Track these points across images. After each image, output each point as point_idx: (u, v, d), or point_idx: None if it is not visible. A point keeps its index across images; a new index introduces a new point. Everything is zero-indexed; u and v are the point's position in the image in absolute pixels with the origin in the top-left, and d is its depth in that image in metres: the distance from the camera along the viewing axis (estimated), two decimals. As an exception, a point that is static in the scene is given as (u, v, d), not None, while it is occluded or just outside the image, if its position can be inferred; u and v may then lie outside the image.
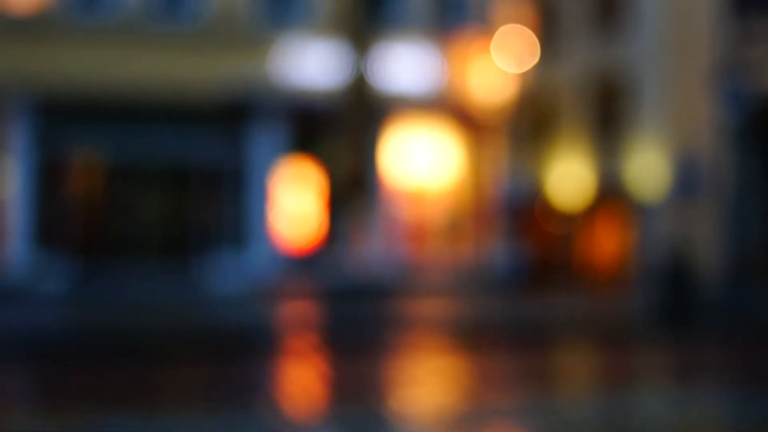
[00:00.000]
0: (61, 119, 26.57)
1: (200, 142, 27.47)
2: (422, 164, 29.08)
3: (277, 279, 26.90)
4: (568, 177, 30.20)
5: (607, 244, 29.55)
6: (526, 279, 28.80)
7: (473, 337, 17.90)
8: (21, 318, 19.96)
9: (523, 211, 30.67)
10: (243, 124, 27.60)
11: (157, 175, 27.59)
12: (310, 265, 27.66)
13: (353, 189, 28.25)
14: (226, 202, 27.68)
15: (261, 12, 27.72)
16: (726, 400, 11.46)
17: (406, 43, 28.59)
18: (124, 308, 21.67)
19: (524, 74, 29.29)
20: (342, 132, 28.34)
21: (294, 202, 28.00)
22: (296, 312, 23.12)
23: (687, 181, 25.93)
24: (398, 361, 14.97)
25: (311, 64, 27.83)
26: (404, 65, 28.51)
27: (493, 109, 29.23)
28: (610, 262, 29.30)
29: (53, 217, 26.68)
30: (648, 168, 27.69)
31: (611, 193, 29.03)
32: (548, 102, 30.94)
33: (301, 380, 13.22)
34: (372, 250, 28.12)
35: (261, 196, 27.64)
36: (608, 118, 29.20)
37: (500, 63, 28.17)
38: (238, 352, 15.59)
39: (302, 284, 26.58)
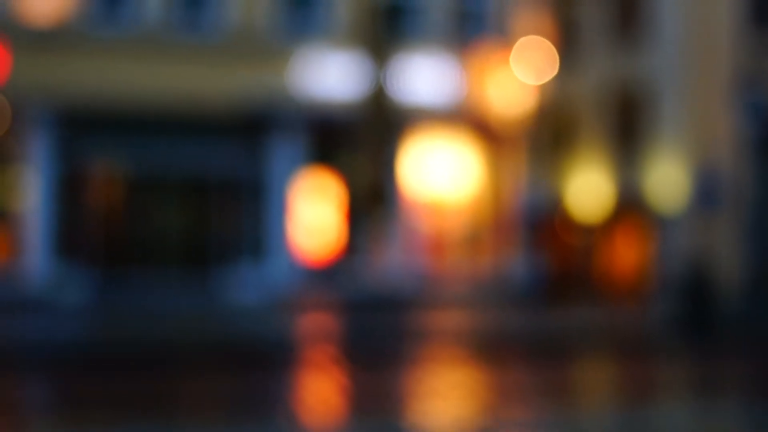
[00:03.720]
0: (82, 131, 26.67)
1: (220, 153, 27.55)
2: (441, 176, 29.08)
3: (297, 290, 26.92)
4: (588, 188, 30.15)
5: (626, 256, 29.48)
6: (545, 291, 28.75)
7: (493, 349, 17.88)
8: (42, 329, 20.03)
9: (542, 223, 30.62)
10: (263, 136, 27.66)
11: (177, 187, 27.66)
12: (330, 276, 27.67)
13: (372, 201, 28.27)
14: (245, 214, 27.73)
15: (281, 24, 27.80)
16: (746, 412, 11.42)
17: (425, 54, 28.61)
18: (144, 319, 21.73)
19: (543, 86, 29.26)
20: (361, 144, 28.37)
21: (313, 213, 28.04)
22: (315, 324, 23.14)
23: (707, 192, 25.86)
24: (417, 374, 14.97)
25: (330, 75, 27.88)
26: (423, 77, 28.53)
27: (512, 120, 29.22)
28: (630, 274, 29.22)
29: (74, 228, 26.77)
30: (668, 179, 27.63)
31: (631, 205, 28.96)
32: (568, 113, 30.90)
33: (320, 392, 13.23)
34: (391, 262, 28.13)
35: (280, 208, 27.69)
36: (628, 129, 29.14)
37: (519, 75, 28.16)
38: (258, 364, 15.61)
39: (321, 296, 26.59)
